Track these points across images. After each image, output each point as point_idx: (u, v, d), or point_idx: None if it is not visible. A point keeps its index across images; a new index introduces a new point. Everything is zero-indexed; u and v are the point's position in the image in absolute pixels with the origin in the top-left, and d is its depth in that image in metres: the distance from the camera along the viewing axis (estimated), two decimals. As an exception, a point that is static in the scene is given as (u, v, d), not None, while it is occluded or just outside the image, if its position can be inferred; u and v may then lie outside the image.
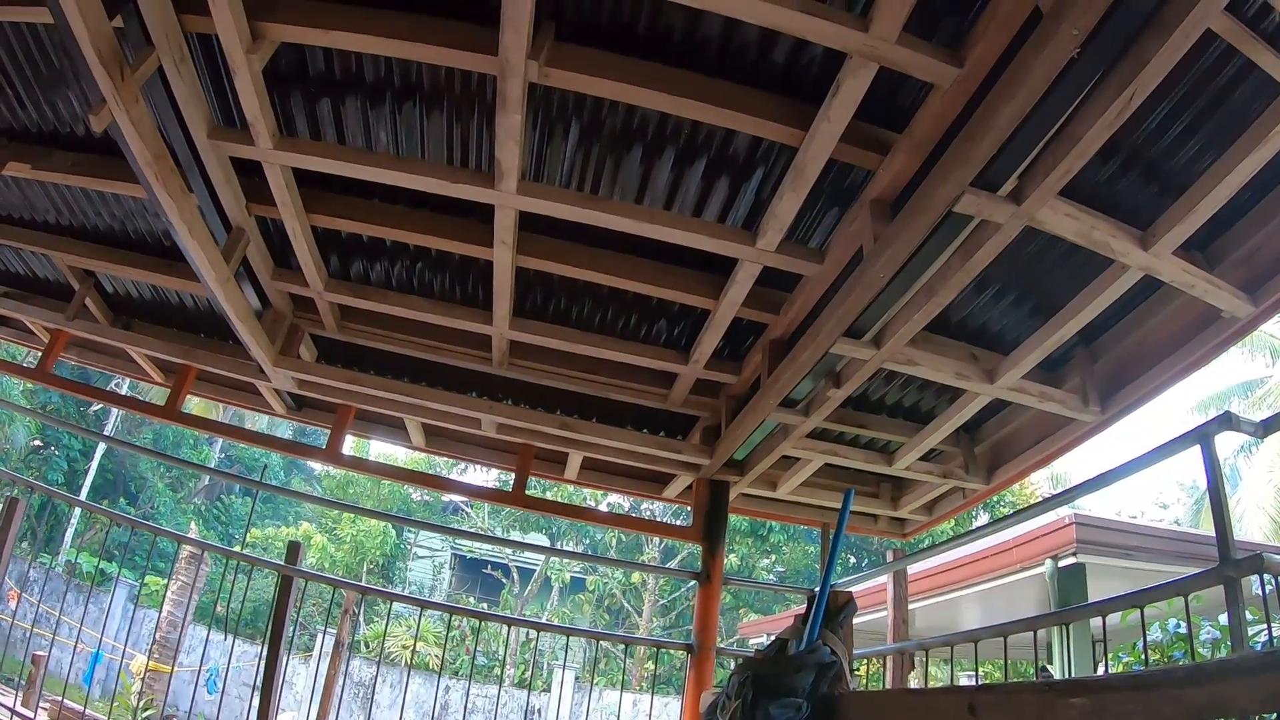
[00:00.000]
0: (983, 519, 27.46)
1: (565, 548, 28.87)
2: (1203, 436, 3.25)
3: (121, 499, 26.62)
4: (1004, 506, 27.02)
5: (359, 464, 6.52)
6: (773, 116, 3.07)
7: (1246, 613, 3.39)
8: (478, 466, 23.79)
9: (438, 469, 27.78)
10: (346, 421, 5.95)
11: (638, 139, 3.47)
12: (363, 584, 9.40)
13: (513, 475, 5.97)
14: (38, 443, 25.93)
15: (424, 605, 6.88)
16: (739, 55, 3.02)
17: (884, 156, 3.17)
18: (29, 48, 3.90)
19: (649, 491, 6.48)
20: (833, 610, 3.07)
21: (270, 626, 5.41)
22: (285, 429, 23.39)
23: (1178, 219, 3.09)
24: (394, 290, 4.87)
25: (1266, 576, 3.03)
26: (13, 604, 15.68)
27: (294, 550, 5.51)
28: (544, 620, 16.68)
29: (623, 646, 23.68)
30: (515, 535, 30.14)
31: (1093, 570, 9.15)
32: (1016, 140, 2.57)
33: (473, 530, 26.29)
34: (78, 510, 26.45)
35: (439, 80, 3.41)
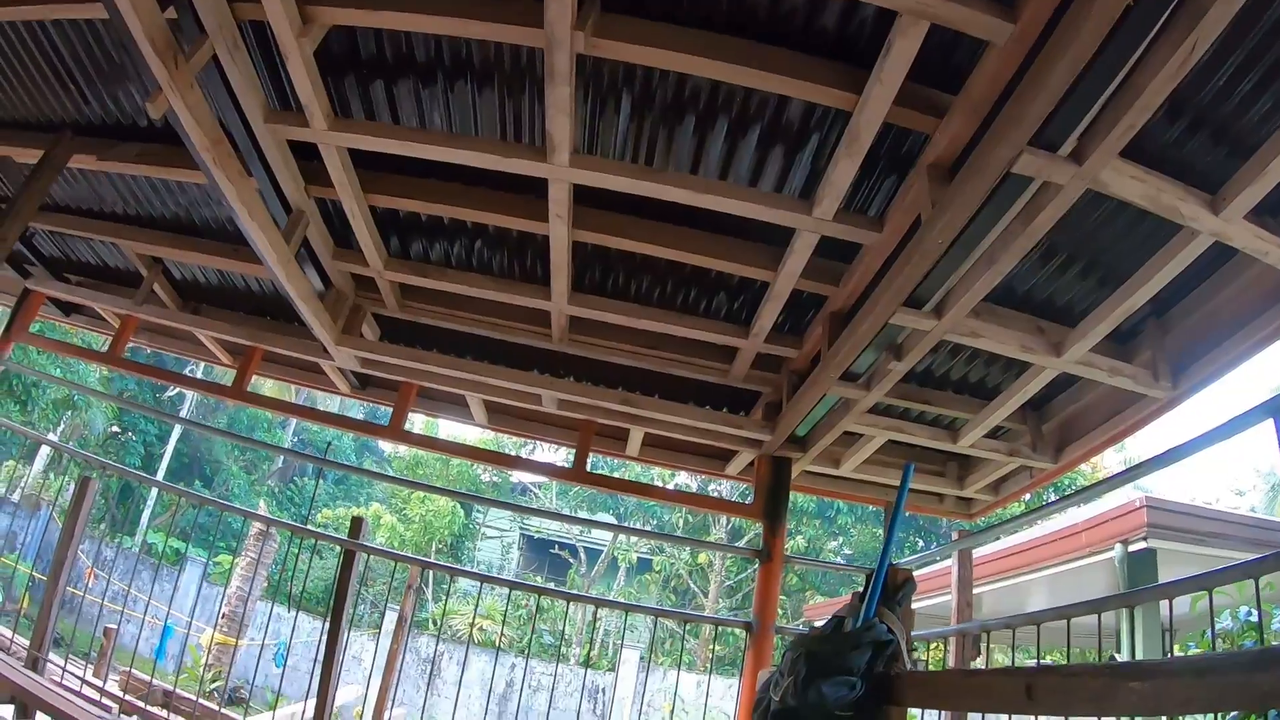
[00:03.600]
0: (1050, 499, 27.15)
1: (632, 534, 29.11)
2: (1275, 410, 3.13)
3: (197, 481, 27.28)
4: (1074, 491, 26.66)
5: (424, 441, 6.59)
6: (825, 81, 3.01)
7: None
8: (546, 446, 24.09)
9: (505, 449, 28.23)
10: (409, 399, 6.03)
11: (690, 109, 3.43)
12: (423, 559, 9.50)
13: (574, 452, 6.00)
14: (115, 429, 26.64)
15: (484, 580, 6.95)
16: (788, 20, 2.96)
17: (940, 119, 3.09)
18: (89, 44, 4.05)
19: (711, 469, 6.47)
20: (891, 588, 3.02)
21: (333, 600, 5.49)
22: (356, 410, 23.84)
23: (1249, 181, 2.96)
24: (453, 268, 4.91)
25: None
26: (90, 581, 16.15)
27: (357, 525, 5.58)
28: (612, 598, 16.77)
29: (687, 627, 23.79)
30: (583, 515, 30.32)
31: (1164, 556, 8.90)
32: (1075, 97, 2.48)
33: (539, 508, 26.49)
34: (154, 494, 27.21)
35: (489, 57, 3.41)
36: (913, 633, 3.21)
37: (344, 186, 4.02)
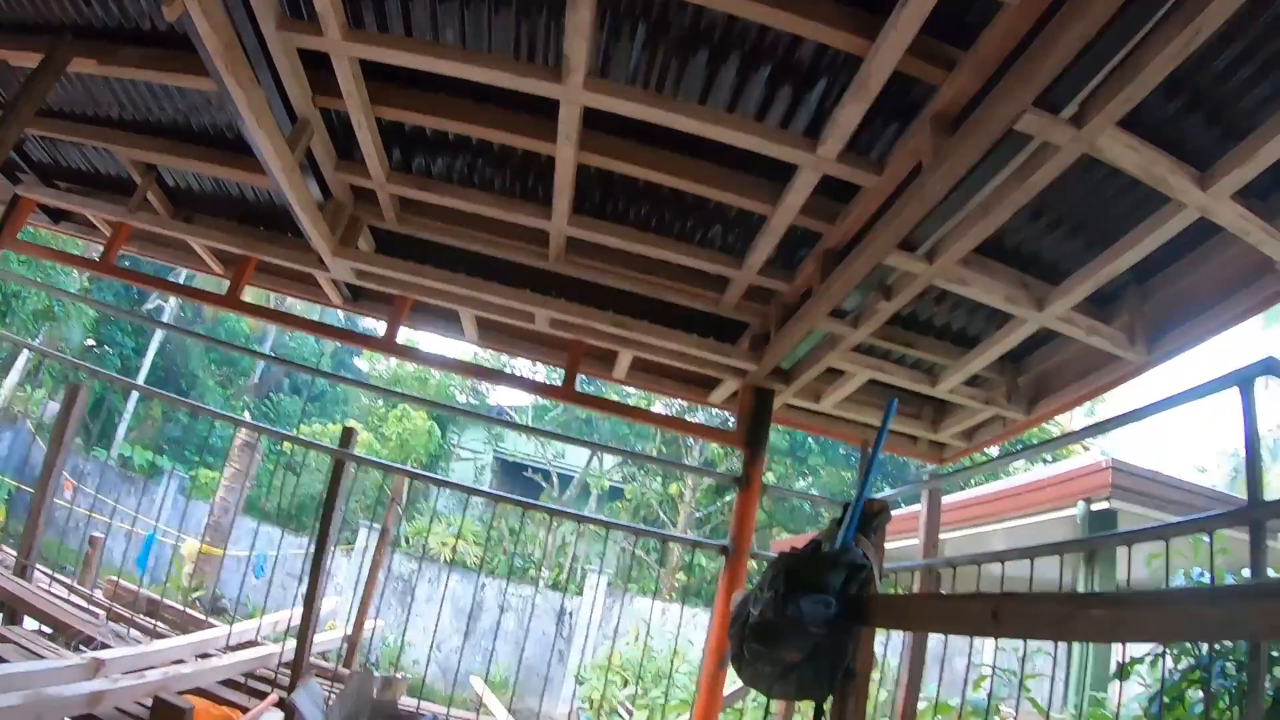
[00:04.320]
0: (1023, 463, 27.51)
1: (606, 460, 29.30)
2: (1242, 380, 3.28)
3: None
4: (1048, 454, 26.95)
5: (414, 354, 6.66)
6: (840, 25, 3.09)
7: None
8: (524, 370, 24.19)
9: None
10: (403, 313, 6.11)
11: (704, 41, 3.48)
12: (411, 469, 9.60)
13: (563, 372, 6.11)
14: (91, 342, 26.54)
15: (471, 491, 7.09)
16: (809, -41, 3.02)
17: (948, 73, 3.18)
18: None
19: (695, 396, 6.59)
20: (867, 516, 3.14)
21: (322, 508, 5.60)
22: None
23: (1238, 162, 3.08)
24: (455, 184, 4.95)
25: None
26: (69, 494, 16.22)
27: (347, 435, 5.69)
28: (581, 527, 16.90)
29: (656, 556, 24.13)
30: (556, 442, 30.52)
31: (1124, 518, 9.17)
32: (1081, 64, 2.61)
33: (521, 424, 26.66)
34: (130, 406, 27.19)
35: (507, -26, 3.43)
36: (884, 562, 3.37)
37: (352, 97, 4.05)
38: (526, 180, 4.80)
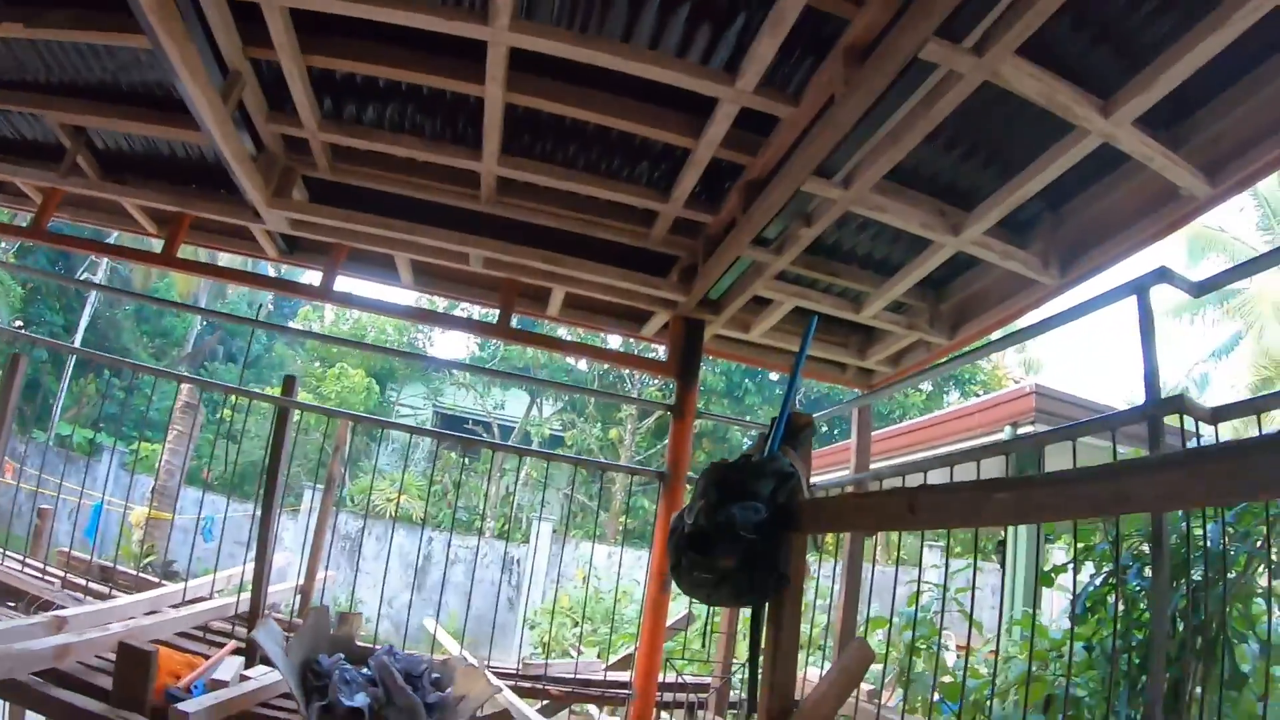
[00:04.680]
0: (952, 395, 28.11)
1: (546, 409, 29.49)
2: (1138, 288, 3.53)
3: (106, 371, 26.82)
4: (975, 385, 27.60)
5: (350, 300, 6.69)
6: (755, -39, 3.22)
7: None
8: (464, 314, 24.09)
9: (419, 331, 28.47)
10: (338, 261, 6.17)
11: (626, -19, 3.58)
12: (354, 413, 9.60)
13: (498, 312, 6.23)
14: (19, 323, 26.00)
15: (416, 431, 7.20)
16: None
17: (859, 6, 3.35)
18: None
19: (628, 330, 6.75)
20: (793, 429, 3.30)
21: (267, 458, 5.67)
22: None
23: (1139, 90, 3.31)
24: (386, 130, 5.00)
25: (1186, 418, 3.34)
26: (9, 477, 15.99)
27: (289, 383, 5.76)
28: (523, 477, 17.08)
29: (597, 502, 24.41)
30: (496, 393, 30.61)
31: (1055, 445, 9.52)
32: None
33: (458, 362, 26.67)
34: (64, 387, 26.75)
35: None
36: (814, 481, 3.57)
37: (284, 47, 4.08)
38: (456, 123, 4.87)
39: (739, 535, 2.90)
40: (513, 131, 4.74)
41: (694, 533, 3.05)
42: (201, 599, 5.74)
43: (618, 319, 6.68)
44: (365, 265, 6.52)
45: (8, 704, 3.93)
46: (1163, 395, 3.46)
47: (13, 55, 5.04)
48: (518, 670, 5.93)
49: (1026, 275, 4.73)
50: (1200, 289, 3.73)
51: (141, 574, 7.70)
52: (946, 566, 4.65)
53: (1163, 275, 3.52)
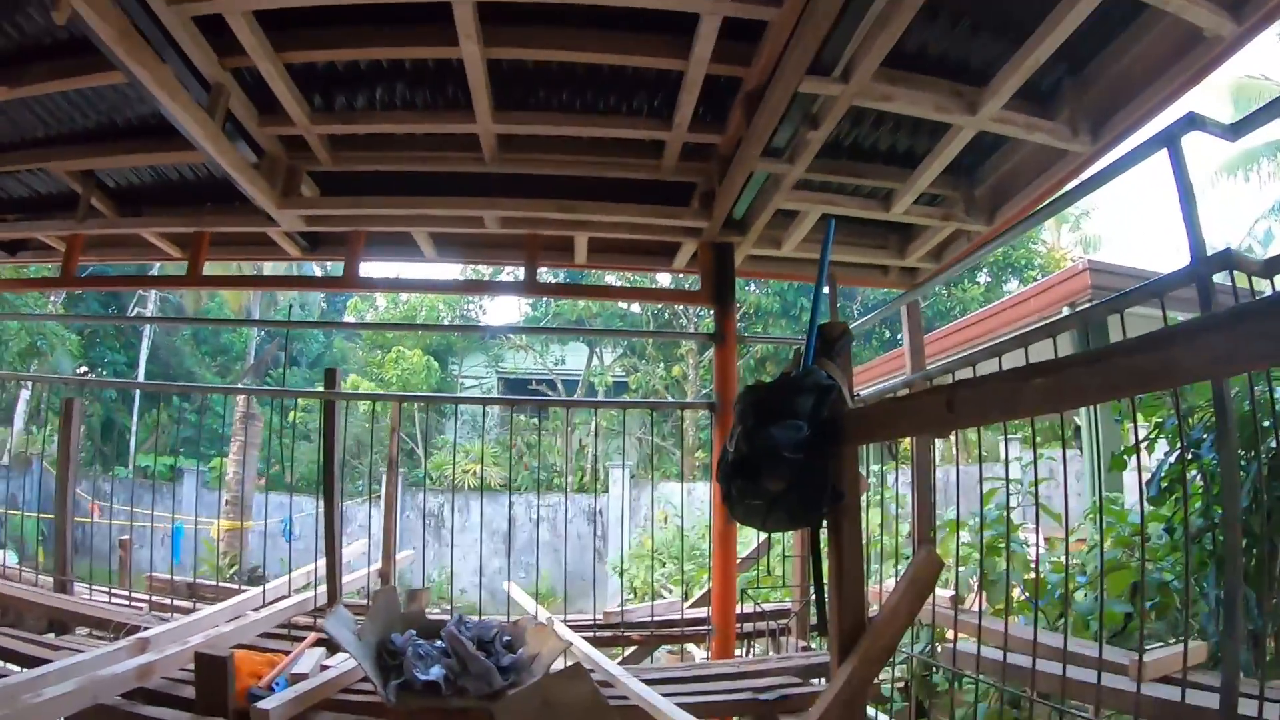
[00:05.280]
0: (1010, 284, 27.55)
1: (606, 357, 29.64)
2: (1169, 139, 3.28)
3: (174, 397, 27.39)
4: (1032, 271, 27.00)
5: (382, 285, 6.73)
6: None
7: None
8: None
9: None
10: (358, 247, 6.16)
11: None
12: (401, 394, 9.63)
13: (523, 269, 6.17)
14: (84, 368, 26.59)
15: (475, 401, 7.19)
16: None
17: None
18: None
19: (657, 265, 6.70)
20: (828, 340, 3.16)
21: (321, 453, 5.70)
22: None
23: None
24: (378, 111, 4.95)
25: (1235, 273, 3.12)
26: (95, 515, 16.40)
27: (330, 376, 5.77)
28: (594, 425, 17.14)
29: (674, 440, 24.49)
30: (555, 350, 30.76)
31: (1111, 318, 9.24)
32: None
33: (510, 327, 26.91)
34: (134, 423, 27.47)
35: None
36: (873, 388, 3.45)
37: (256, 50, 4.08)
38: (445, 90, 4.80)
39: (783, 456, 2.78)
40: (502, 87, 4.65)
41: (737, 459, 2.95)
42: (282, 598, 5.80)
43: (646, 256, 6.60)
44: (388, 247, 6.55)
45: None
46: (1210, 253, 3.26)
47: (7, 118, 5.16)
48: (594, 621, 5.94)
49: (1057, 146, 4.55)
50: (1235, 131, 3.47)
51: (224, 584, 7.85)
52: (1007, 462, 4.46)
53: (1192, 122, 3.28)
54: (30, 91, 4.67)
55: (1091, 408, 8.76)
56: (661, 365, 27.78)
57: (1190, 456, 4.36)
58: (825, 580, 2.99)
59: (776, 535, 6.41)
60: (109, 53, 3.54)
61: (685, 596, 7.18)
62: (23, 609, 5.61)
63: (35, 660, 4.08)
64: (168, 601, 6.12)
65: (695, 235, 5.77)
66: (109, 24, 3.39)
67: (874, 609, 3.05)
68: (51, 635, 5.10)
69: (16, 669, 4.01)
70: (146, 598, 6.42)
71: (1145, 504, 4.29)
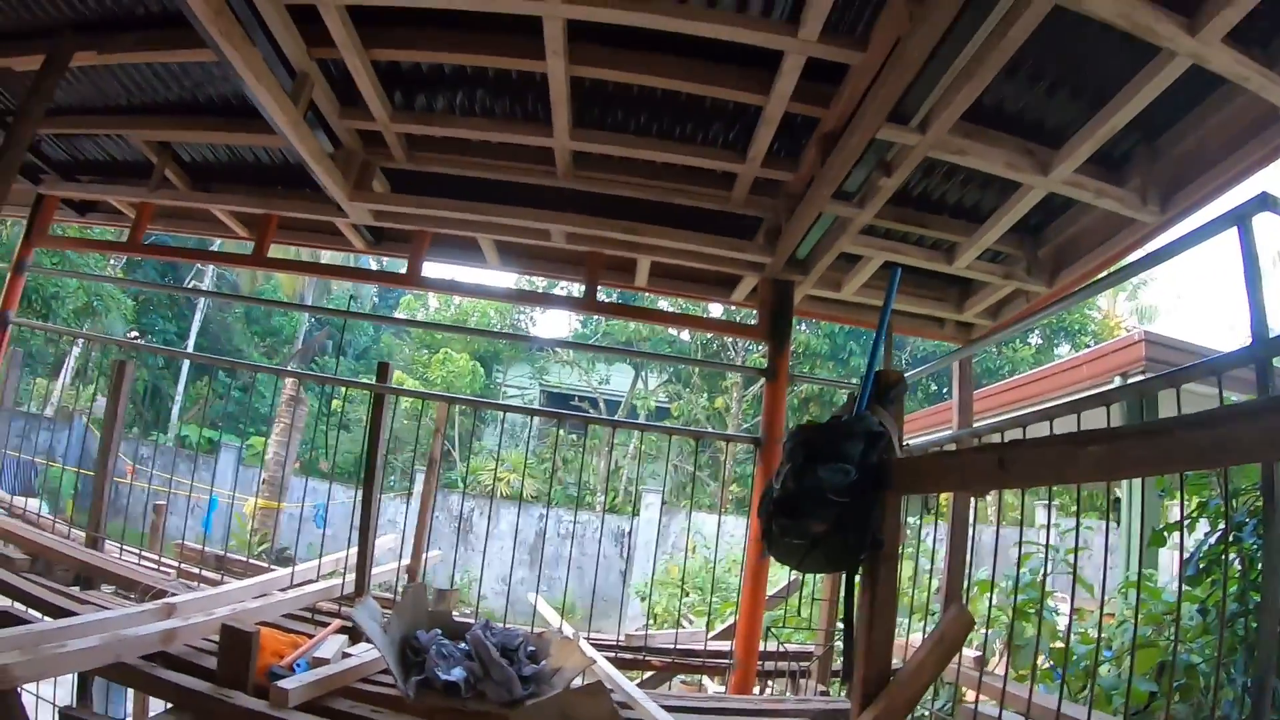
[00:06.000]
0: (1062, 347, 27.20)
1: (650, 381, 29.62)
2: (1239, 217, 3.24)
3: (220, 372, 27.78)
4: (1086, 337, 26.68)
5: (438, 286, 6.78)
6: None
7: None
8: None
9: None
10: (423, 247, 6.25)
11: (679, -59, 3.51)
12: (449, 395, 9.69)
13: (582, 286, 6.21)
14: (134, 333, 27.07)
15: (518, 410, 7.23)
16: None
17: (920, -60, 3.20)
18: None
19: (717, 296, 6.70)
20: (883, 387, 3.15)
21: (365, 442, 5.74)
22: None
23: (1224, 3, 3.08)
24: (457, 115, 5.04)
25: None
26: (132, 478, 16.66)
27: (383, 370, 5.82)
28: (632, 449, 17.17)
29: (709, 471, 24.36)
30: (600, 369, 30.84)
31: (1162, 393, 9.10)
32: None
33: (559, 340, 26.99)
34: (179, 391, 27.84)
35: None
36: (918, 440, 3.43)
37: (345, 45, 4.16)
38: (525, 102, 4.87)
39: (828, 499, 2.77)
40: (582, 105, 4.70)
41: (782, 498, 2.93)
42: (309, 581, 5.85)
43: (706, 285, 6.60)
44: (451, 250, 6.60)
45: (131, 690, 4.06)
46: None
47: (93, 83, 5.33)
48: (617, 642, 5.92)
49: (1125, 214, 4.52)
50: (1309, 214, 3.45)
51: (253, 560, 7.93)
52: (1049, 527, 4.43)
53: (1264, 202, 3.22)
54: (118, 59, 4.83)
55: (1134, 481, 8.61)
56: (705, 395, 27.72)
57: (1230, 539, 4.29)
58: (854, 627, 2.96)
59: (807, 577, 6.37)
60: (202, 30, 3.61)
61: (708, 627, 7.14)
62: (53, 559, 5.72)
63: (61, 611, 4.15)
64: (196, 570, 6.21)
65: (757, 270, 5.76)
66: (205, 1, 3.47)
67: (896, 662, 3.02)
68: (77, 589, 5.17)
69: (39, 616, 4.05)
70: (175, 564, 6.51)
71: (1180, 582, 4.23)
